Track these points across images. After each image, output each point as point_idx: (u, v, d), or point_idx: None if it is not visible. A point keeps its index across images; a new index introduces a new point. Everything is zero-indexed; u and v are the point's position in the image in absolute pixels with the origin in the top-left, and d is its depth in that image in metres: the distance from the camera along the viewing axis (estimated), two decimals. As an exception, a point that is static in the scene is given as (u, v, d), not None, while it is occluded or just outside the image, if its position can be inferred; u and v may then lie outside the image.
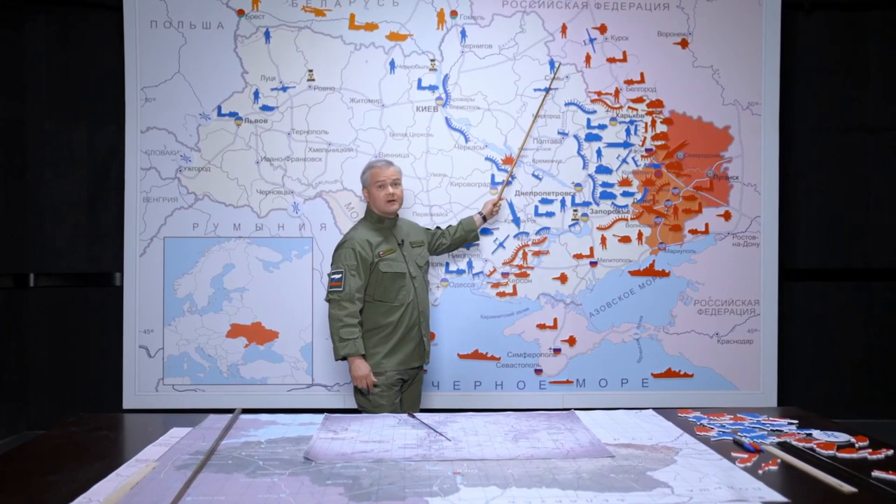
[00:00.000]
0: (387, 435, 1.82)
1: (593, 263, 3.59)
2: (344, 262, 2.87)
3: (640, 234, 3.59)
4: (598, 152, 3.59)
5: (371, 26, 3.54)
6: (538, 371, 3.57)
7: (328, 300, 2.89)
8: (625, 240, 3.59)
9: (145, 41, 3.51)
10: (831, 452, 1.67)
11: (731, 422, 1.96)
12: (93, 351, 3.74)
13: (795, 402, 3.53)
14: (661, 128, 3.59)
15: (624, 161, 3.59)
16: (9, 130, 3.70)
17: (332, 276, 2.89)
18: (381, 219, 3.00)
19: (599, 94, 3.58)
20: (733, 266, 3.60)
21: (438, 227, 3.34)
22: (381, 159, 3.05)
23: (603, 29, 3.58)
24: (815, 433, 1.82)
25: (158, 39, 3.51)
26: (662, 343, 3.59)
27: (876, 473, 1.52)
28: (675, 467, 1.56)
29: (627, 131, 3.59)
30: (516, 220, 3.58)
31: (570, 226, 3.59)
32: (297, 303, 3.53)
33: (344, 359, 2.85)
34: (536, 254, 3.58)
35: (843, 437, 1.78)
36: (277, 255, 3.55)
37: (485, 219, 3.38)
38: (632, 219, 3.59)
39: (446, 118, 3.57)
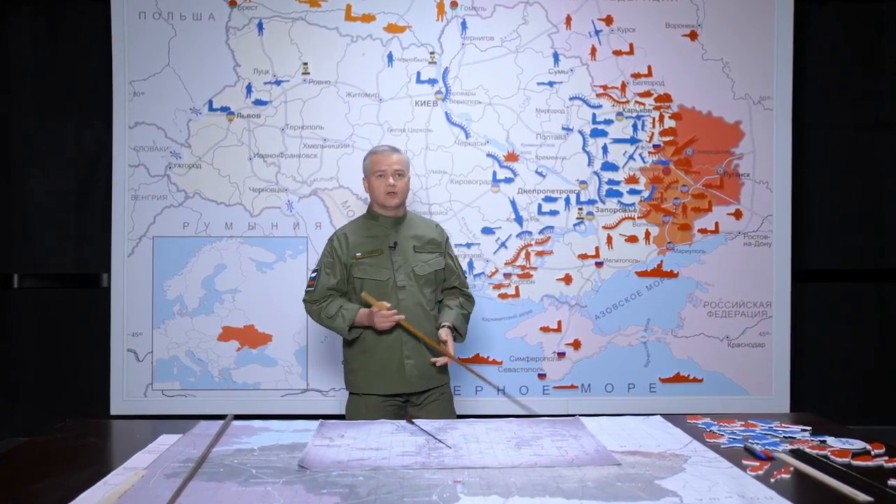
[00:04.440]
0: (384, 442, 1.80)
1: (599, 264, 3.48)
2: (323, 259, 2.69)
3: (647, 234, 3.49)
4: (604, 148, 3.48)
5: (368, 17, 3.43)
6: (542, 376, 3.47)
7: (304, 301, 2.71)
8: (631, 239, 3.49)
9: (134, 33, 3.41)
10: (846, 460, 1.63)
11: (742, 428, 1.93)
12: (79, 354, 3.64)
13: (809, 408, 3.41)
14: (669, 123, 3.49)
15: (631, 157, 3.49)
16: (-7, 126, 3.61)
17: (311, 275, 2.72)
18: (377, 215, 2.69)
19: (605, 88, 3.48)
20: (744, 266, 3.50)
21: (455, 288, 2.81)
22: (384, 145, 2.75)
23: (609, 20, 3.48)
24: (830, 440, 1.79)
25: (147, 31, 3.41)
26: (671, 346, 3.49)
27: (893, 482, 1.48)
28: (683, 475, 1.53)
29: (634, 127, 3.49)
30: (518, 219, 3.47)
31: (574, 225, 3.48)
32: (291, 305, 3.41)
33: (353, 327, 2.56)
34: (540, 254, 3.47)
35: (858, 445, 1.73)
36: (271, 255, 3.44)
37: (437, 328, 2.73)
38: (639, 217, 3.49)
39: (446, 113, 3.46)
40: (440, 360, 2.62)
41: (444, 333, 2.62)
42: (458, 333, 2.71)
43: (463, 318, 2.74)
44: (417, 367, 2.61)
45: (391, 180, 2.62)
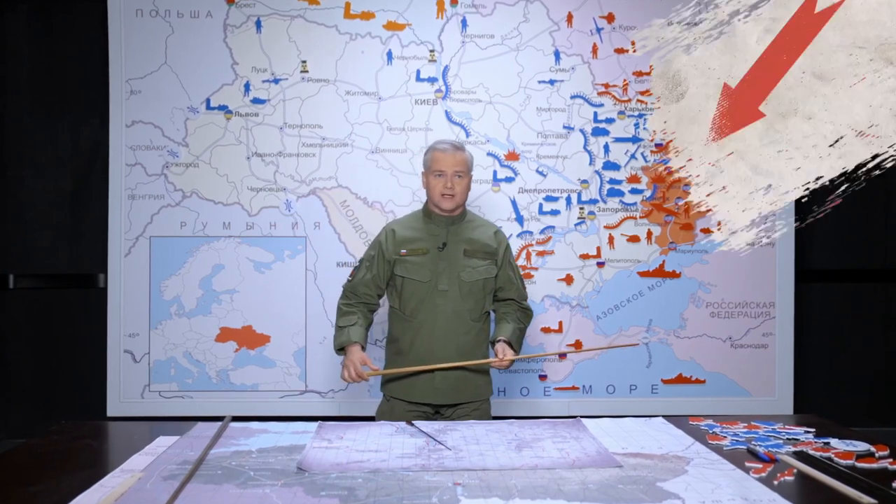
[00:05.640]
0: (384, 444, 1.78)
1: (600, 264, 3.46)
2: (367, 251, 2.56)
3: (649, 234, 3.47)
4: (606, 147, 3.45)
5: (367, 15, 3.40)
6: (543, 377, 3.45)
7: (342, 285, 2.59)
8: (633, 239, 3.46)
9: (130, 31, 3.38)
10: (850, 462, 1.63)
11: (745, 430, 1.92)
12: (75, 356, 3.61)
13: (812, 410, 3.38)
14: (671, 122, 3.46)
15: (632, 157, 3.46)
16: (-12, 125, 3.58)
17: (356, 264, 2.61)
18: (431, 213, 2.51)
19: (607, 86, 3.45)
20: (747, 267, 3.47)
21: (513, 300, 2.58)
22: (446, 141, 2.52)
23: (610, 18, 3.45)
24: (833, 442, 1.78)
25: (144, 29, 3.38)
26: (673, 347, 3.46)
27: (897, 484, 1.47)
28: (686, 478, 1.52)
29: (636, 125, 3.46)
30: (519, 219, 3.44)
31: (575, 224, 3.46)
32: (289, 305, 3.40)
33: (341, 350, 2.43)
34: (541, 254, 3.45)
35: (862, 447, 1.73)
36: (269, 255, 3.41)
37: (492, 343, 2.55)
38: (641, 217, 3.47)
39: (446, 112, 3.44)
40: (496, 364, 2.42)
41: (500, 349, 2.42)
42: (513, 350, 2.46)
43: (519, 332, 2.53)
44: (449, 378, 2.42)
45: (450, 182, 2.44)
